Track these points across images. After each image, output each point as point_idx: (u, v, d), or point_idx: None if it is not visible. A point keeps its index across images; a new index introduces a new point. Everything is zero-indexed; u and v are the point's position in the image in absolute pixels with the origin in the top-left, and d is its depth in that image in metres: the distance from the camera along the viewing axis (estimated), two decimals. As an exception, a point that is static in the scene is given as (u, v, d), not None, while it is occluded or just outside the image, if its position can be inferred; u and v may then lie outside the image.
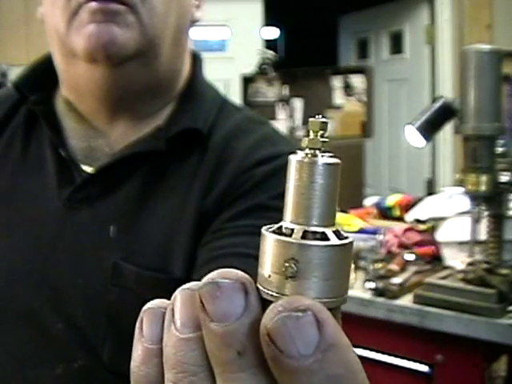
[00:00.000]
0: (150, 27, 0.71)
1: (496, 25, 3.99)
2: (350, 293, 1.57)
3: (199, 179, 0.75)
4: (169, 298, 0.28)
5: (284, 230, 0.27)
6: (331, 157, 0.27)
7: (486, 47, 1.43)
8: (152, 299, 0.29)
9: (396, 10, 4.82)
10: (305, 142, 0.27)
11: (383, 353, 1.55)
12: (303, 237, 0.26)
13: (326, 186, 0.26)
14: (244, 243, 0.69)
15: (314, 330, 0.23)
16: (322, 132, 0.27)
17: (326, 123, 0.27)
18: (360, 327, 1.56)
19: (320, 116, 0.28)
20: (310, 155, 0.27)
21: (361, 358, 0.25)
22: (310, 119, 0.28)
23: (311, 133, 0.27)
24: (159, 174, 0.76)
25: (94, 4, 0.68)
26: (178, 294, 0.27)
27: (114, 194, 0.76)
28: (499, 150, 1.43)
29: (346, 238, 0.27)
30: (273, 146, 0.78)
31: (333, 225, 0.27)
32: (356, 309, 1.55)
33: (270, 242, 0.26)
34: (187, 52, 0.82)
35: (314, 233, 0.26)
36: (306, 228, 0.26)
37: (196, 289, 0.26)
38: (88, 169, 0.77)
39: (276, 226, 0.27)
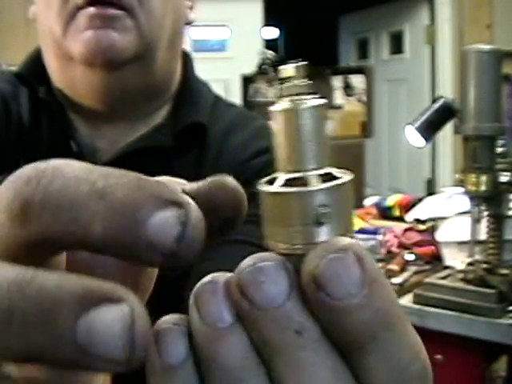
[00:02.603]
0: (147, 31, 0.71)
1: (496, 25, 3.99)
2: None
3: (200, 174, 0.75)
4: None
5: (294, 182, 0.26)
6: (316, 98, 0.26)
7: (486, 47, 1.43)
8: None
9: (396, 10, 4.82)
10: (286, 90, 0.26)
11: (383, 353, 1.54)
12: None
13: (319, 128, 0.26)
14: (245, 232, 0.69)
15: (357, 268, 0.23)
16: (300, 75, 0.26)
17: (301, 67, 0.26)
18: (360, 327, 1.55)
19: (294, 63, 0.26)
20: (295, 101, 0.25)
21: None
22: (281, 67, 0.26)
23: (287, 81, 0.26)
24: (161, 170, 0.76)
25: (91, 9, 0.67)
26: (202, 288, 0.25)
27: None
28: (499, 149, 1.43)
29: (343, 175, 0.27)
30: (269, 138, 0.79)
31: (330, 165, 0.26)
32: (356, 309, 1.54)
33: (291, 197, 0.25)
34: (180, 53, 0.82)
35: (325, 175, 0.26)
36: (317, 172, 0.25)
37: (223, 280, 0.24)
38: None
39: (277, 183, 0.26)
